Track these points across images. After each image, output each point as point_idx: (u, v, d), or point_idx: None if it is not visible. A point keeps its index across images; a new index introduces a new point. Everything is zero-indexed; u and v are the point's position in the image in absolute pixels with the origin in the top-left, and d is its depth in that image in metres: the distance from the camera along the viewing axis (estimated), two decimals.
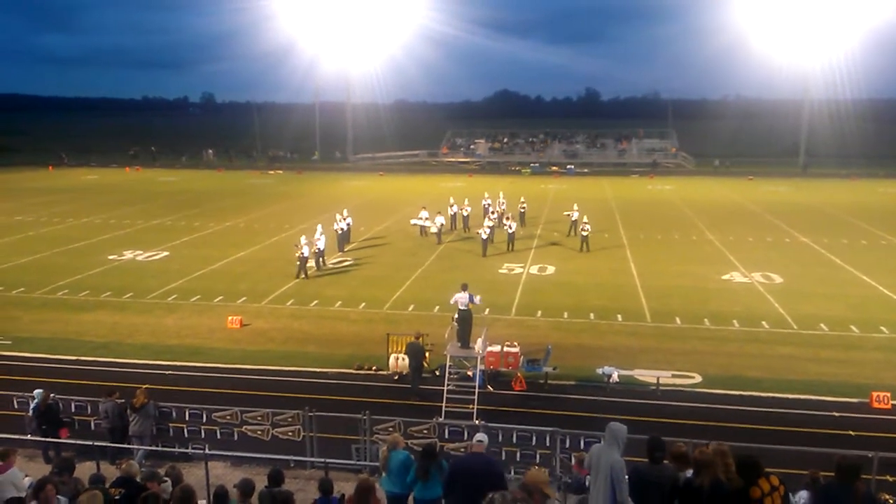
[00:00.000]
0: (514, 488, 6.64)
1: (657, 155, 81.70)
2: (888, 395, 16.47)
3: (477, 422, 14.30)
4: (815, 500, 7.42)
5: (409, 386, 17.34)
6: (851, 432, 15.05)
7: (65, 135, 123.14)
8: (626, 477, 7.88)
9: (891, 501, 9.94)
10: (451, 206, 38.51)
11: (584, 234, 33.32)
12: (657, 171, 75.33)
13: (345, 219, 33.60)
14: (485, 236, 32.45)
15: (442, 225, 35.80)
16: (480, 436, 9.27)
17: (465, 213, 38.22)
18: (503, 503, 6.18)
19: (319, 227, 31.34)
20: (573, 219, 36.76)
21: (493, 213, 38.75)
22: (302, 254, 28.06)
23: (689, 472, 7.78)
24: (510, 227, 33.14)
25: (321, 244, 29.49)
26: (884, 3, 73.15)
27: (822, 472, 8.44)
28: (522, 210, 40.35)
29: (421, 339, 17.43)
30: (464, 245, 34.76)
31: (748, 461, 7.26)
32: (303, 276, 28.15)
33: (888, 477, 11.73)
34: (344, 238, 33.43)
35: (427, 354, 18.25)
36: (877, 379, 17.89)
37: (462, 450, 12.53)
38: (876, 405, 16.33)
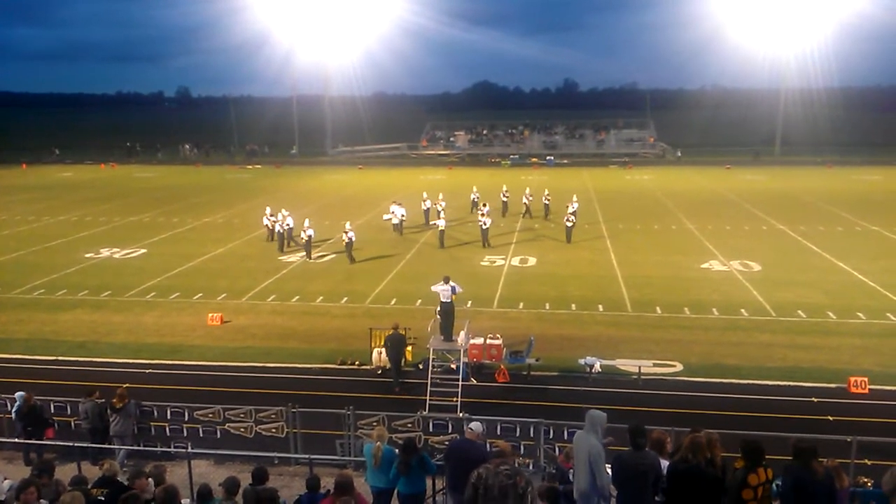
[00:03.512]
0: (494, 458, 7.19)
1: (662, 147, 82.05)
2: (865, 380, 16.73)
3: (461, 414, 14.34)
4: (780, 484, 7.56)
5: (392, 380, 17.34)
6: (830, 417, 15.27)
7: (38, 132, 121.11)
8: (606, 462, 7.98)
9: (869, 485, 10.10)
10: (425, 200, 38.43)
11: (569, 224, 33.43)
12: (668, 160, 75.89)
13: (285, 218, 32.72)
14: (442, 226, 33.03)
15: (403, 216, 35.83)
16: (474, 424, 9.61)
17: (439, 208, 36.99)
18: (488, 474, 6.77)
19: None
20: (572, 210, 36.86)
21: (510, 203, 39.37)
22: (310, 237, 30.22)
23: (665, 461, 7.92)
24: (484, 224, 32.72)
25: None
26: None
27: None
28: (547, 202, 40.00)
29: (399, 328, 17.37)
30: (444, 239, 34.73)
31: (752, 446, 7.41)
32: (309, 257, 30.17)
33: (866, 461, 11.91)
34: (283, 238, 32.46)
35: (410, 348, 18.29)
36: (854, 364, 18.17)
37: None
38: (853, 390, 16.58)
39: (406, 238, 34.71)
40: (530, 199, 40.64)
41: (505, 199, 40.94)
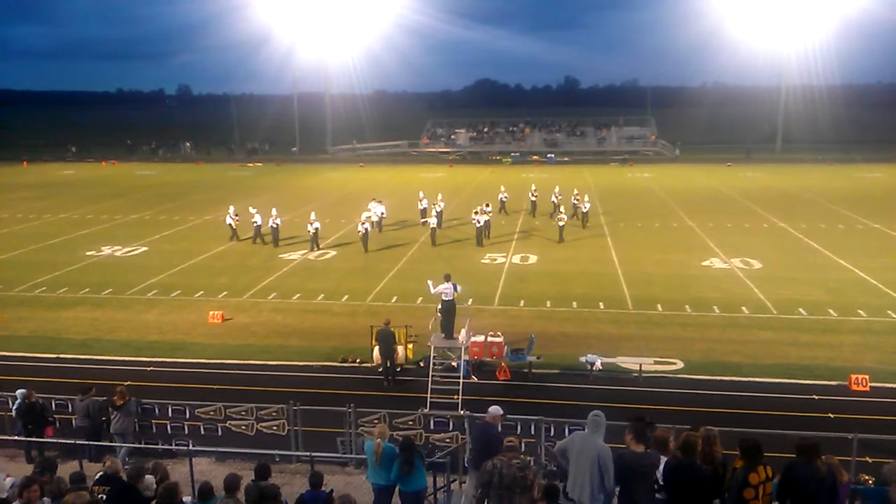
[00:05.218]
0: (507, 451, 8.08)
1: (664, 145, 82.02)
2: (866, 377, 16.72)
3: (462, 412, 14.35)
4: (780, 480, 7.56)
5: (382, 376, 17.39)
6: (831, 415, 15.26)
7: (39, 130, 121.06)
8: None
9: (870, 482, 10.09)
10: (421, 200, 38.34)
11: (561, 224, 33.09)
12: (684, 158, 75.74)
13: (275, 218, 32.76)
14: (433, 224, 33.29)
15: (383, 214, 35.91)
16: (492, 408, 10.43)
17: (437, 208, 35.77)
18: (502, 465, 7.57)
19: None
20: (585, 209, 36.77)
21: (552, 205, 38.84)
22: (316, 230, 31.25)
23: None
24: (478, 222, 32.59)
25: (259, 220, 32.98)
26: None
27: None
28: (575, 202, 38.45)
29: (389, 325, 17.39)
30: (443, 238, 34.73)
31: (751, 444, 7.41)
32: (315, 248, 31.36)
33: (867, 458, 11.91)
34: (276, 235, 32.60)
35: (411, 346, 18.30)
36: (855, 361, 18.15)
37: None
38: (855, 387, 16.57)
39: (404, 237, 34.67)
40: (559, 197, 39.73)
41: (534, 199, 40.70)
